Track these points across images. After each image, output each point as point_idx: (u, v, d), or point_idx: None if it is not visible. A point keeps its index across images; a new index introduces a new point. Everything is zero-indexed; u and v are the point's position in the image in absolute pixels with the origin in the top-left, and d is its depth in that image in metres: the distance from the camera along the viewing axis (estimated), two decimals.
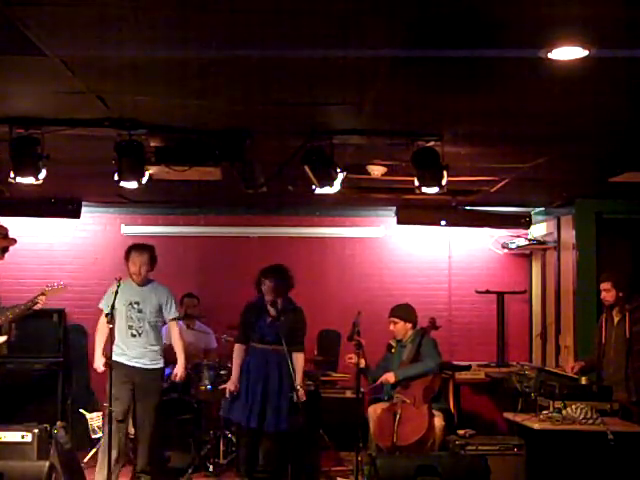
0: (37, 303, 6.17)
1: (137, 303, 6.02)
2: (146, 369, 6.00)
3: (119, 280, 5.83)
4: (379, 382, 6.50)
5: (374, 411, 6.47)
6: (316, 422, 6.63)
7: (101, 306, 6.17)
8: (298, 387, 5.94)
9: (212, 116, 4.76)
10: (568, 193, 7.38)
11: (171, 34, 3.34)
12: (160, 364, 6.11)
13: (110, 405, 5.91)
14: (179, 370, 6.18)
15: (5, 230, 6.42)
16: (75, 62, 3.71)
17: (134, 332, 6.00)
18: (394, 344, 6.70)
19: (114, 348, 5.93)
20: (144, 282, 6.11)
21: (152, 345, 6.05)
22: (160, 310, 6.10)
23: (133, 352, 6.01)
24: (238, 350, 6.18)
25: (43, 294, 6.22)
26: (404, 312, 6.67)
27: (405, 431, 6.10)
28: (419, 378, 6.35)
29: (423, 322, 6.73)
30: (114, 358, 5.92)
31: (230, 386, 6.09)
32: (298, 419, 5.96)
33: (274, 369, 6.01)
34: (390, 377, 6.39)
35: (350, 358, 6.41)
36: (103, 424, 7.32)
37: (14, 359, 7.58)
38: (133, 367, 5.99)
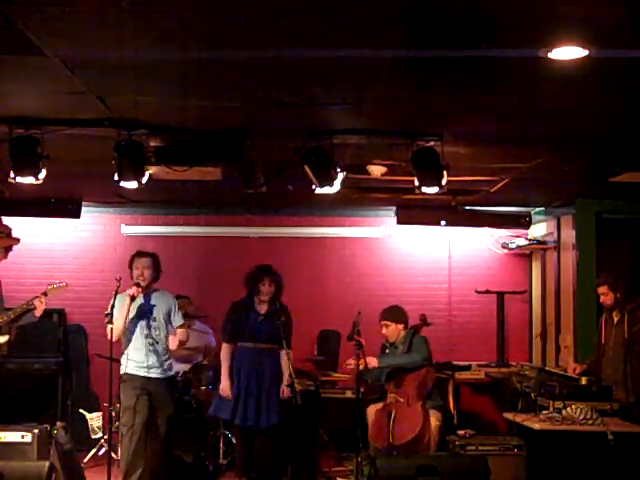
0: (39, 302, 6.14)
1: (150, 311, 5.93)
2: (161, 378, 5.88)
3: (119, 280, 5.79)
4: (363, 365, 6.38)
5: (371, 412, 6.47)
6: (316, 422, 6.62)
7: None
8: (291, 380, 5.97)
9: (212, 116, 4.76)
10: (568, 193, 7.38)
11: (171, 34, 3.34)
12: (172, 372, 6.02)
13: (110, 405, 5.89)
14: (176, 340, 5.97)
15: (8, 229, 6.42)
16: (75, 62, 3.71)
17: (151, 340, 5.83)
18: (388, 345, 6.70)
19: (127, 362, 5.84)
20: (151, 289, 5.99)
21: (166, 353, 5.97)
22: (169, 316, 6.01)
23: (149, 361, 5.82)
24: (227, 350, 6.16)
25: (45, 293, 6.20)
26: (395, 314, 6.66)
27: (400, 430, 6.11)
28: (404, 370, 6.37)
29: (415, 320, 6.73)
30: (128, 371, 5.82)
31: (225, 391, 6.05)
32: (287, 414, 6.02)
33: (267, 367, 6.03)
34: (372, 361, 6.39)
35: (348, 364, 6.41)
36: (103, 424, 7.37)
37: (14, 359, 7.57)
38: (148, 378, 5.82)
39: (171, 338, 5.96)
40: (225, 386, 6.06)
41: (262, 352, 6.07)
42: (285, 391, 6.07)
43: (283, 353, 6.07)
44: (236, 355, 6.15)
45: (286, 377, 6.06)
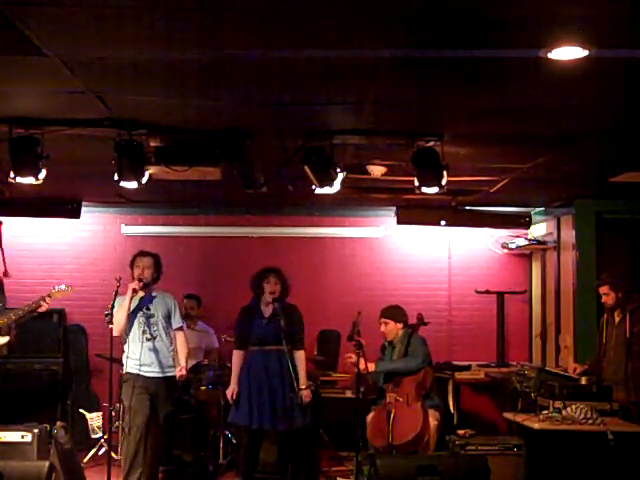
0: (41, 305, 6.14)
1: (148, 308, 5.93)
2: (161, 377, 5.88)
3: (119, 280, 5.80)
4: (364, 367, 6.33)
5: (371, 412, 6.47)
6: (316, 422, 6.62)
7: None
8: (302, 387, 5.93)
9: (212, 116, 4.76)
10: (568, 193, 7.38)
11: (171, 34, 3.34)
12: (173, 372, 5.99)
13: (110, 405, 5.87)
14: (183, 372, 6.06)
15: None
16: (75, 62, 3.71)
17: (148, 336, 5.85)
18: (387, 345, 6.70)
19: (127, 361, 5.86)
20: (151, 290, 5.99)
21: (168, 350, 5.95)
22: (169, 316, 6.01)
23: (148, 359, 5.84)
24: (238, 357, 6.08)
25: (49, 296, 6.18)
26: (394, 313, 6.66)
27: (400, 430, 6.10)
28: (403, 374, 6.35)
29: (413, 319, 6.74)
30: (128, 370, 5.84)
31: (229, 393, 6.02)
32: (306, 417, 5.96)
33: (276, 369, 5.98)
34: (370, 366, 6.38)
35: (349, 357, 6.40)
36: (103, 423, 7.37)
37: (14, 359, 7.58)
38: (148, 377, 5.83)
39: (183, 362, 6.00)
40: (231, 390, 6.04)
41: (270, 354, 5.99)
42: (306, 395, 5.95)
43: (296, 353, 6.02)
44: (247, 359, 6.07)
45: (302, 378, 5.97)
